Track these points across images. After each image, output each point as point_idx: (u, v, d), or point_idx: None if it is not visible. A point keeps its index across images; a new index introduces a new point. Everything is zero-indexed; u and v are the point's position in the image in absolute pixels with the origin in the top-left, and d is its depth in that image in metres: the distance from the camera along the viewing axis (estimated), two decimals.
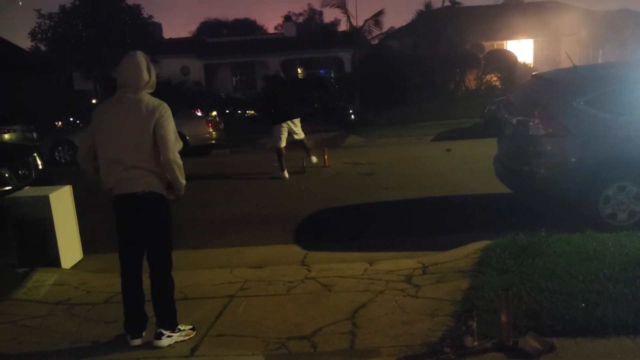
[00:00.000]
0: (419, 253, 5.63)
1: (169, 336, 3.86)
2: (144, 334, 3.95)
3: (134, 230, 3.86)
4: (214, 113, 17.30)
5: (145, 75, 3.81)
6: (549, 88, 6.30)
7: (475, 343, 3.41)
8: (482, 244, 5.37)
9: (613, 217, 5.77)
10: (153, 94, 3.91)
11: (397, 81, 23.24)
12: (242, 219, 7.75)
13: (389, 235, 6.57)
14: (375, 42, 26.08)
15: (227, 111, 25.54)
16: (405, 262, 5.35)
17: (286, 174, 10.60)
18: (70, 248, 6.00)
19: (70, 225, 6.08)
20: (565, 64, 7.25)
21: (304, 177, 10.61)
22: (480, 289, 4.18)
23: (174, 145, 3.78)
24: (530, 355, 3.27)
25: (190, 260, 5.99)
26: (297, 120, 10.84)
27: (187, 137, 15.20)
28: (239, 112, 26.72)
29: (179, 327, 3.95)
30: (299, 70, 34.81)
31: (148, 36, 27.17)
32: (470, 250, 5.33)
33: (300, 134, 10.96)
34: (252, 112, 25.56)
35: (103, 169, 3.83)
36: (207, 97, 26.76)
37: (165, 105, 3.82)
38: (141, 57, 3.85)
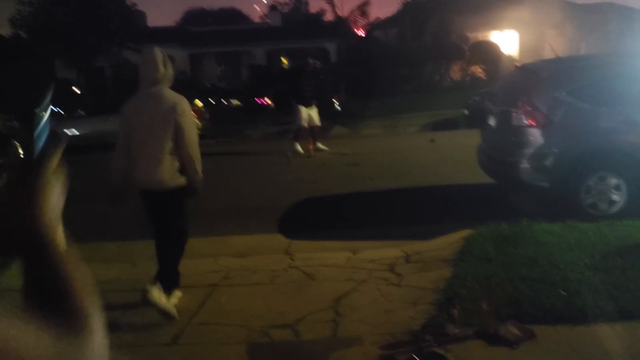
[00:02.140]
0: (402, 242, 5.65)
1: (160, 294, 4.00)
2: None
3: (158, 214, 4.20)
4: (199, 103, 17.18)
5: (162, 69, 4.04)
6: (533, 79, 6.34)
7: (457, 330, 3.44)
8: (465, 233, 5.40)
9: (594, 207, 5.83)
10: None
11: (382, 72, 23.25)
12: (228, 209, 7.72)
13: (373, 225, 6.59)
14: (361, 32, 26.05)
15: (213, 101, 25.37)
16: (388, 251, 5.37)
17: (299, 148, 11.56)
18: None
19: None
20: (549, 55, 7.30)
21: (288, 167, 10.60)
22: (463, 278, 4.21)
23: (194, 139, 4.06)
24: (511, 343, 3.31)
25: None
26: (313, 108, 11.69)
27: None
28: (225, 102, 26.55)
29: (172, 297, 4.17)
30: (284, 60, 34.62)
31: (132, 25, 26.83)
32: (454, 239, 5.36)
33: (316, 120, 11.73)
34: (238, 102, 25.40)
35: (131, 162, 4.09)
36: (192, 87, 26.56)
37: (185, 100, 4.10)
38: (157, 52, 4.11)
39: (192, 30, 36.87)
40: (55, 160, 0.91)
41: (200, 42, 33.24)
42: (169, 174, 4.01)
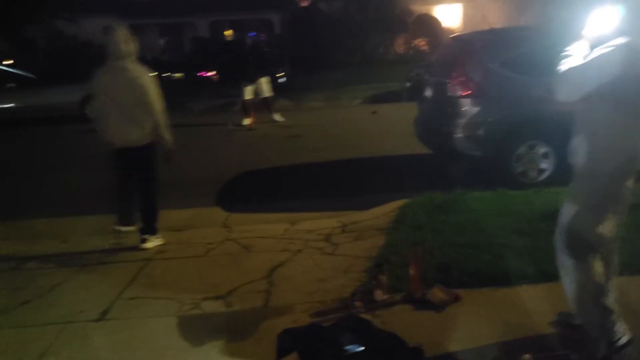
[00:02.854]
0: (340, 213, 5.69)
1: (151, 240, 4.93)
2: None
3: (130, 168, 4.92)
4: None
5: (124, 46, 4.71)
6: (466, 50, 6.42)
7: (385, 296, 3.50)
8: (401, 202, 5.48)
9: (524, 175, 6.01)
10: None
11: (327, 45, 23.10)
12: (165, 183, 7.52)
13: (312, 197, 6.60)
14: (305, 4, 25.75)
15: (154, 74, 24.61)
16: (325, 221, 5.40)
17: (245, 122, 11.53)
18: None
19: None
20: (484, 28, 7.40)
21: (230, 140, 10.46)
22: (394, 246, 4.28)
23: (159, 106, 4.75)
24: (437, 306, 3.39)
25: (107, 224, 5.81)
26: (264, 79, 11.63)
27: None
28: (167, 75, 25.79)
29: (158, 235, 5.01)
30: (227, 33, 33.93)
31: None
32: (389, 209, 5.44)
33: (265, 92, 11.70)
34: (180, 75, 24.73)
35: (105, 125, 4.82)
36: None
37: (147, 73, 4.78)
38: (121, 31, 4.77)
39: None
40: None
41: (141, 12, 32.06)
42: (136, 134, 4.75)
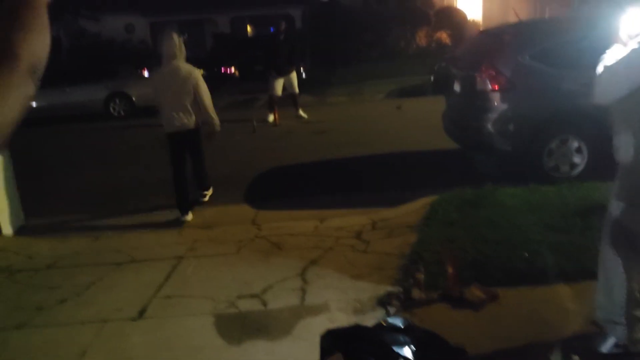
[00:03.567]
0: (369, 210, 5.67)
1: (206, 194, 6.45)
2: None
3: (182, 149, 5.93)
4: None
5: (177, 50, 5.70)
6: (496, 43, 6.33)
7: (423, 295, 3.48)
8: (430, 199, 5.44)
9: (556, 170, 5.93)
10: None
11: (348, 39, 23.00)
12: (192, 179, 7.61)
13: (340, 193, 6.58)
14: None
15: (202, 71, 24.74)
16: (355, 218, 5.38)
17: (270, 118, 11.47)
18: (9, 213, 5.76)
19: (9, 190, 5.82)
20: (514, 21, 7.30)
21: (255, 136, 10.49)
22: (427, 242, 4.25)
23: (207, 96, 5.79)
24: (475, 305, 3.36)
25: (138, 221, 5.87)
26: (293, 75, 11.48)
27: (134, 98, 14.73)
28: None
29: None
30: (249, 29, 33.98)
31: None
32: (419, 205, 5.40)
33: (295, 87, 11.59)
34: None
35: (164, 114, 5.81)
36: (153, 57, 25.85)
37: (196, 70, 5.81)
38: (175, 37, 5.75)
39: None
40: None
41: (162, 10, 32.28)
42: (189, 120, 5.74)
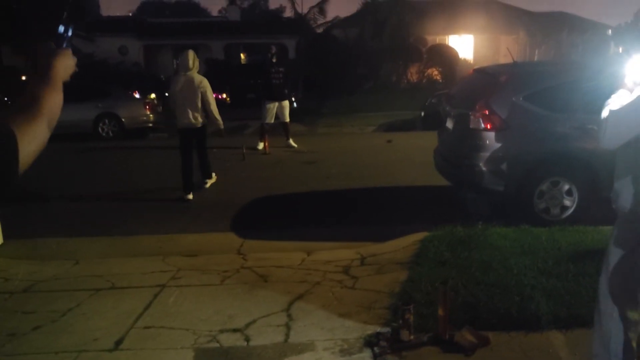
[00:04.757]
0: (357, 244, 5.57)
1: (207, 181, 8.23)
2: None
3: (190, 142, 7.72)
4: (153, 95, 16.69)
5: (191, 64, 7.51)
6: (491, 83, 6.35)
7: (412, 337, 3.36)
8: (420, 235, 5.36)
9: (546, 212, 5.89)
10: None
11: (341, 71, 23.22)
12: (179, 205, 7.49)
13: (328, 225, 6.49)
14: (320, 30, 25.98)
15: (167, 94, 24.76)
16: (343, 252, 5.28)
17: (260, 146, 11.51)
18: None
19: None
20: (504, 60, 7.35)
21: (244, 164, 10.39)
22: (418, 282, 4.15)
23: (213, 100, 7.62)
24: (466, 349, 3.25)
25: (120, 247, 5.72)
26: (285, 103, 11.45)
27: (123, 119, 14.63)
28: None
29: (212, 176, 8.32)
30: (242, 56, 34.24)
31: (82, 12, 25.86)
32: (409, 241, 5.31)
33: (286, 116, 11.52)
34: None
35: (178, 113, 7.58)
36: (146, 79, 25.84)
37: (205, 80, 7.55)
38: (190, 53, 7.61)
39: (147, 20, 35.98)
40: None
41: (156, 33, 32.45)
42: (197, 119, 7.54)
